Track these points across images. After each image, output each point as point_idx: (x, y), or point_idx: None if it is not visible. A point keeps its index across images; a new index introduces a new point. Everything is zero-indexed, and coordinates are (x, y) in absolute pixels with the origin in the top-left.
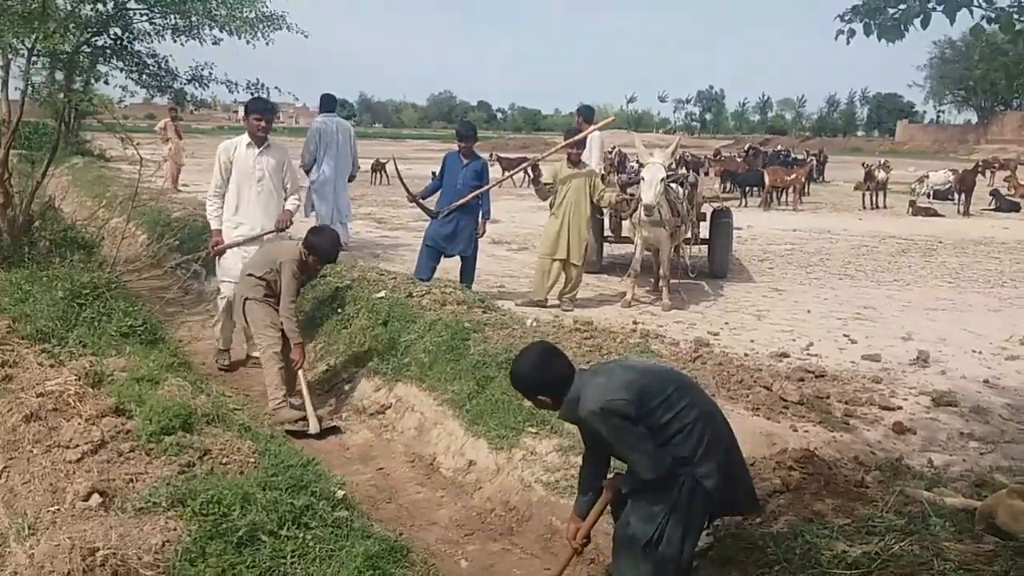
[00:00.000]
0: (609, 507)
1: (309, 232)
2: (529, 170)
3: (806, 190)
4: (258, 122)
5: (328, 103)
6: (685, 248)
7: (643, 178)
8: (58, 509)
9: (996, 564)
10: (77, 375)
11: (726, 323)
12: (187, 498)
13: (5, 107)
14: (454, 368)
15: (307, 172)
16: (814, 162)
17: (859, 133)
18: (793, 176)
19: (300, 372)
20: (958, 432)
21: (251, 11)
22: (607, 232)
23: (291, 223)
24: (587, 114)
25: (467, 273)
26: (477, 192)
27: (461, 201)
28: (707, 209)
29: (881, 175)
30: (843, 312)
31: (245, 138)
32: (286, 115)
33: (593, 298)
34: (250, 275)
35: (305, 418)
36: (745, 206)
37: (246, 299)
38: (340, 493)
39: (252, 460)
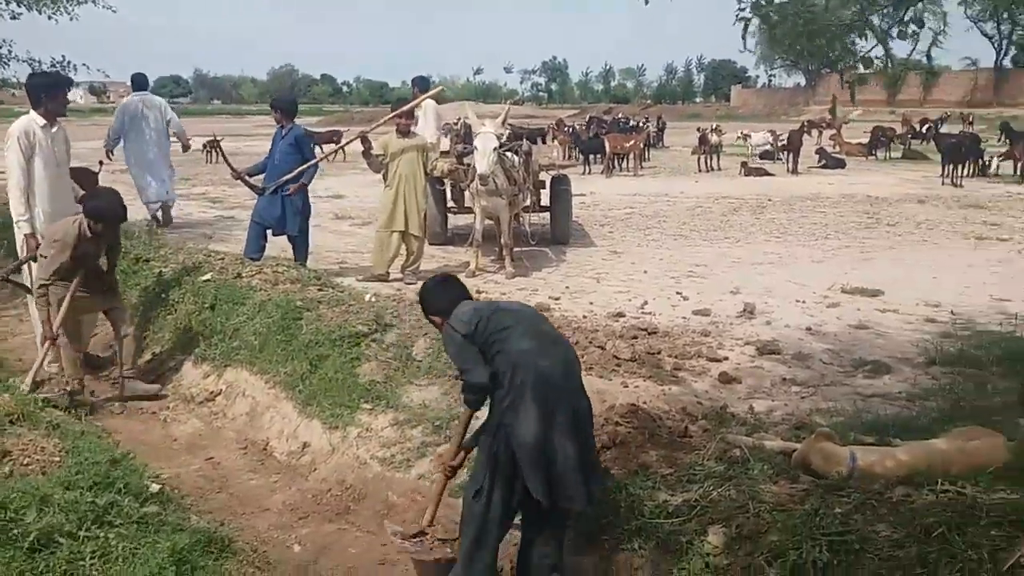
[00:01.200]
0: None
1: (86, 199)
2: (360, 142)
3: (646, 156)
4: (65, 98)
5: (139, 81)
6: (525, 216)
7: (476, 148)
8: None
9: (807, 503)
10: None
11: (567, 287)
12: None
13: None
14: (286, 349)
15: (109, 152)
16: (652, 128)
17: (697, 99)
18: (632, 142)
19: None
20: (781, 378)
21: None
22: (450, 203)
23: None
24: (422, 85)
25: (299, 251)
26: (299, 170)
27: (286, 177)
28: (547, 177)
29: (714, 139)
30: (677, 271)
31: (38, 118)
32: (116, 95)
33: (437, 269)
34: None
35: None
36: (589, 173)
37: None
38: (155, 488)
39: (57, 459)
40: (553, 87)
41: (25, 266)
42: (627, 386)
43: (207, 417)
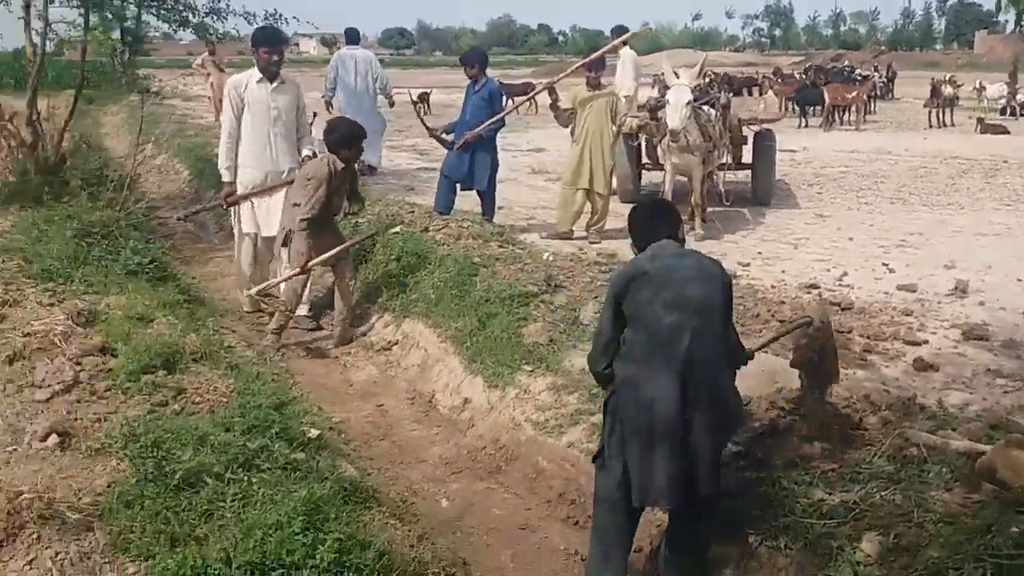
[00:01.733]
0: None
1: (325, 134)
2: (547, 94)
3: (871, 108)
4: (268, 55)
5: (351, 36)
6: (720, 174)
7: (668, 101)
8: (15, 450)
9: (980, 517)
10: (67, 314)
11: (759, 253)
12: (138, 439)
13: (30, 48)
14: (459, 305)
15: (328, 103)
16: (878, 78)
17: (937, 46)
18: (854, 94)
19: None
20: (985, 368)
21: None
22: (644, 159)
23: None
24: (621, 33)
25: (487, 207)
26: (488, 123)
27: (475, 132)
28: (750, 132)
29: (948, 91)
30: (887, 239)
31: (255, 73)
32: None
33: (623, 228)
34: (295, 204)
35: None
36: (806, 126)
37: (288, 230)
38: (313, 433)
39: (225, 400)
40: (777, 33)
41: (233, 212)
42: None
43: (383, 365)
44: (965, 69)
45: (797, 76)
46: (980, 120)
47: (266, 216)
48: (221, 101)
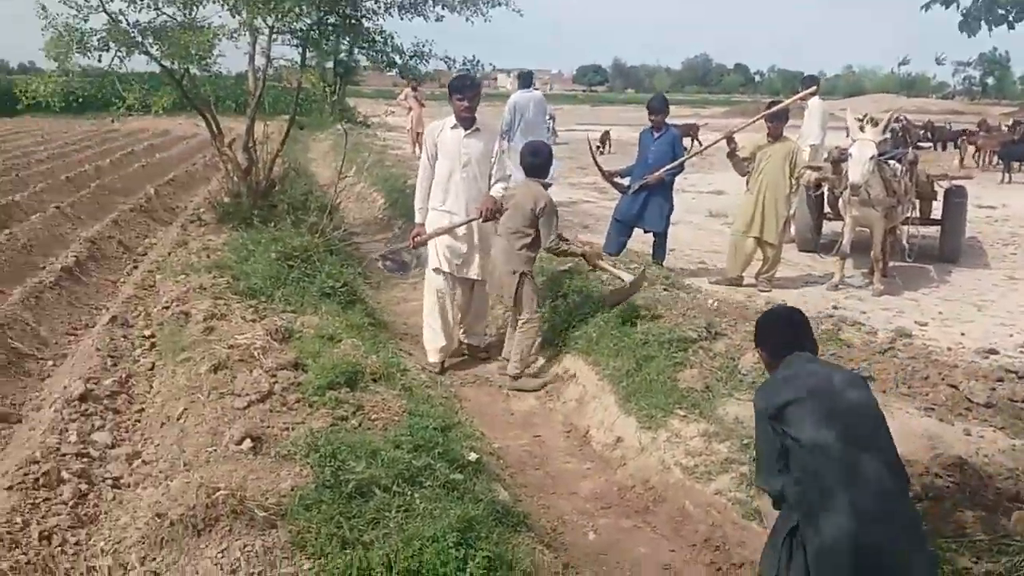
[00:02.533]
0: None
1: (526, 156)
2: (725, 143)
3: None
4: (460, 102)
5: (525, 80)
6: (904, 229)
7: (851, 155)
8: (214, 450)
9: None
10: (267, 330)
11: (940, 312)
12: (319, 449)
13: (252, 81)
14: (618, 344)
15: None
16: None
17: None
18: None
19: (606, 262)
20: None
21: None
22: (826, 208)
23: (499, 211)
24: (810, 83)
25: (659, 249)
26: (668, 168)
27: (652, 177)
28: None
29: None
30: None
31: (451, 120)
32: (541, 82)
33: (798, 278)
34: (514, 232)
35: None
36: (1009, 182)
37: (521, 274)
38: (472, 456)
39: (398, 419)
40: (990, 81)
41: (425, 250)
42: (969, 434)
43: (543, 397)
44: None
45: (1004, 128)
46: None
47: (452, 256)
48: (419, 134)
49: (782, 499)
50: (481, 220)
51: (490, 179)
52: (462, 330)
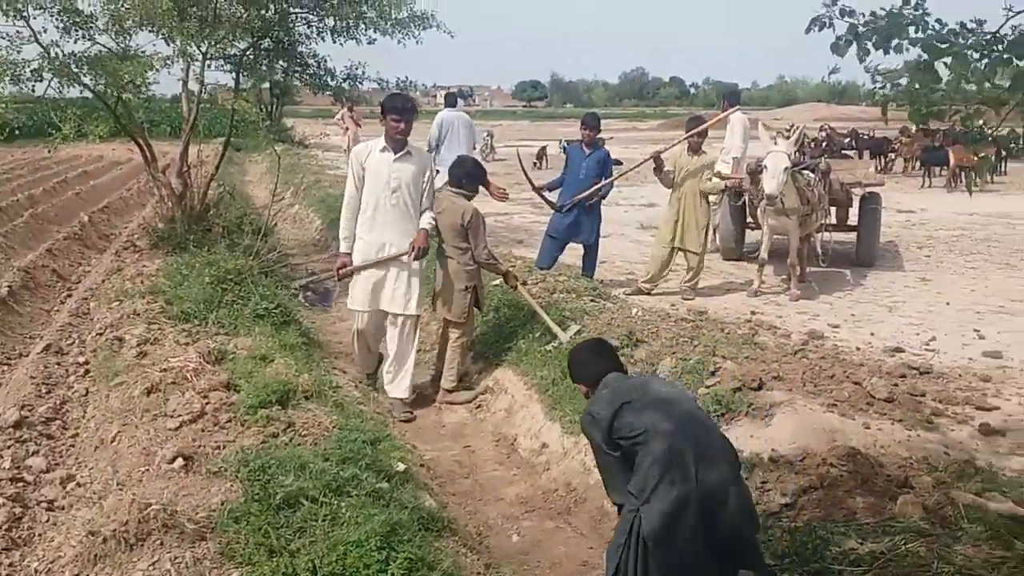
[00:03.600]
0: None
1: (453, 168)
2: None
3: (1000, 169)
4: (396, 123)
5: (451, 100)
6: (818, 235)
7: (766, 167)
8: (147, 470)
9: (998, 571)
10: (200, 353)
11: (852, 314)
12: (248, 464)
13: (185, 106)
14: (544, 354)
15: None
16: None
17: None
18: (983, 154)
19: (524, 290)
20: None
21: (400, 12)
22: (748, 219)
23: (427, 247)
24: (733, 99)
25: (589, 262)
26: (598, 187)
27: (582, 195)
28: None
29: None
30: (986, 305)
31: (380, 142)
32: (481, 98)
33: (721, 286)
34: (457, 247)
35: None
36: (929, 187)
37: (474, 288)
38: (400, 467)
39: (328, 434)
40: (926, 86)
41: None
42: (868, 427)
43: (474, 409)
44: None
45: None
46: None
47: (376, 290)
48: None
49: (630, 501)
50: (412, 258)
51: (420, 207)
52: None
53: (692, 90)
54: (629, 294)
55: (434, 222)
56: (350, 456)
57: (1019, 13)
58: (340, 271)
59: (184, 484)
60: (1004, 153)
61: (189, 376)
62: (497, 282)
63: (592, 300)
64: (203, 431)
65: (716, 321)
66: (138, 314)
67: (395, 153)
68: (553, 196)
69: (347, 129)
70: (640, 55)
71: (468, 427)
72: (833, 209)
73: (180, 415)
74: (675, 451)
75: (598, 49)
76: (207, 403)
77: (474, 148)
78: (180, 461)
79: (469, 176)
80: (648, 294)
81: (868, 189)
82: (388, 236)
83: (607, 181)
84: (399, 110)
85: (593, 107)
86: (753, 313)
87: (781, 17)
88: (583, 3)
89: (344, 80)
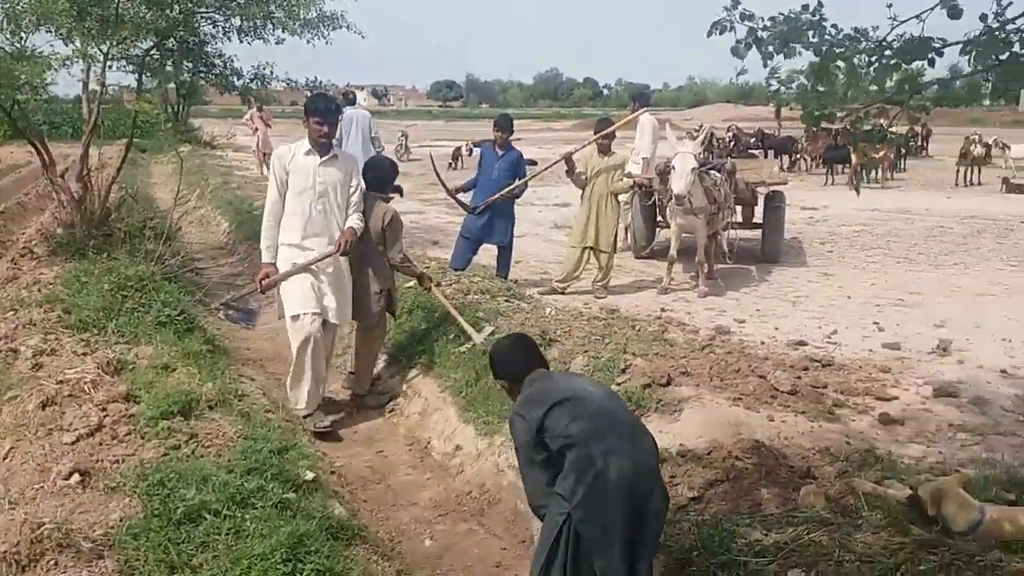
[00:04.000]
0: None
1: (368, 174)
2: (565, 162)
3: (900, 166)
4: (319, 126)
5: (350, 98)
6: (725, 233)
7: (673, 168)
8: (41, 486)
9: (896, 556)
10: (98, 363)
11: (758, 310)
12: (148, 479)
13: (87, 108)
14: (459, 356)
15: None
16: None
17: (986, 103)
18: (882, 152)
19: (438, 291)
20: (948, 424)
21: (308, 12)
22: (659, 218)
23: (352, 244)
24: (642, 100)
25: (503, 262)
26: (512, 188)
27: (495, 196)
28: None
29: (977, 150)
30: (886, 298)
31: (304, 144)
32: (396, 98)
33: (632, 284)
34: (374, 249)
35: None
36: (832, 184)
37: (388, 291)
38: (308, 475)
39: (232, 444)
40: (821, 88)
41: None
42: (772, 420)
43: (387, 413)
44: (1010, 126)
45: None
46: (1005, 180)
47: (318, 294)
48: (266, 155)
49: (558, 504)
50: (339, 254)
51: (347, 210)
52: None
53: (605, 91)
54: (543, 293)
55: (362, 224)
56: (255, 467)
57: (905, 22)
58: (263, 282)
59: (81, 501)
60: (903, 151)
61: (87, 388)
62: (411, 284)
63: (506, 300)
64: (101, 445)
65: (627, 319)
66: (34, 324)
67: (321, 156)
68: (467, 197)
69: (256, 129)
70: (555, 56)
71: (381, 432)
72: (739, 208)
73: (77, 429)
74: (605, 451)
75: (513, 50)
76: (105, 416)
77: (376, 145)
78: (76, 477)
79: (386, 179)
80: (562, 293)
81: (772, 188)
82: (315, 243)
83: (521, 182)
84: (322, 112)
85: (508, 107)
86: (663, 310)
87: (691, 19)
88: (498, 3)
89: (252, 80)
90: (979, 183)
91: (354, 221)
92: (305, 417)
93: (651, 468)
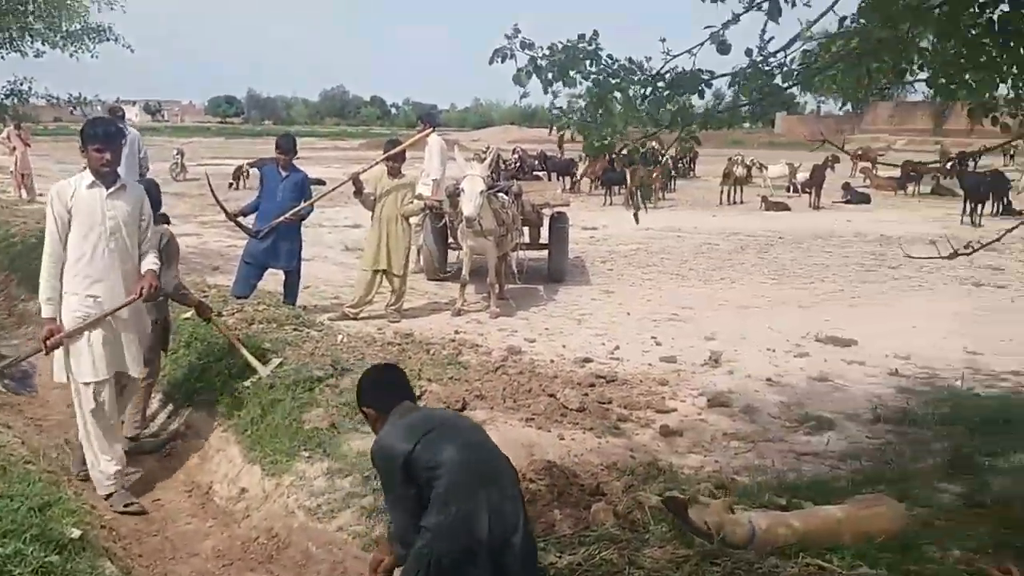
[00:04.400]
0: None
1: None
2: (352, 184)
3: (671, 187)
4: (99, 154)
5: (115, 112)
6: (514, 254)
7: (463, 190)
8: None
9: (682, 568)
10: None
11: (546, 328)
12: None
13: None
14: (243, 391)
15: None
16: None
17: (745, 125)
18: (655, 174)
19: (219, 321)
20: (722, 433)
21: (71, 24)
22: (450, 240)
23: (158, 288)
24: (430, 120)
25: (291, 288)
26: (298, 209)
27: (280, 219)
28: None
29: (738, 171)
30: (661, 313)
31: (87, 177)
32: (171, 113)
33: (426, 306)
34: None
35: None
36: (611, 204)
37: (158, 322)
38: (75, 533)
39: None
40: (599, 118)
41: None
42: (563, 439)
43: (164, 457)
44: (766, 148)
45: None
46: (764, 198)
47: (113, 351)
48: (24, 176)
49: (423, 536)
50: (142, 300)
51: (141, 247)
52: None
53: (393, 110)
54: (334, 320)
55: (159, 263)
56: (12, 528)
57: (677, 56)
58: (48, 342)
59: None
60: (673, 173)
61: None
62: (189, 315)
63: (295, 329)
64: None
65: (422, 343)
66: None
67: (107, 188)
68: (249, 220)
69: (14, 149)
70: (342, 73)
71: (157, 477)
72: (526, 229)
73: None
74: (470, 484)
75: (297, 66)
76: None
77: (142, 166)
78: None
79: (154, 204)
80: (354, 319)
81: (557, 209)
82: (104, 289)
83: (307, 203)
84: (101, 137)
85: (293, 124)
86: (457, 332)
87: (476, 41)
88: (281, 18)
89: (7, 96)
90: (741, 202)
91: (151, 262)
92: (107, 498)
93: (515, 500)
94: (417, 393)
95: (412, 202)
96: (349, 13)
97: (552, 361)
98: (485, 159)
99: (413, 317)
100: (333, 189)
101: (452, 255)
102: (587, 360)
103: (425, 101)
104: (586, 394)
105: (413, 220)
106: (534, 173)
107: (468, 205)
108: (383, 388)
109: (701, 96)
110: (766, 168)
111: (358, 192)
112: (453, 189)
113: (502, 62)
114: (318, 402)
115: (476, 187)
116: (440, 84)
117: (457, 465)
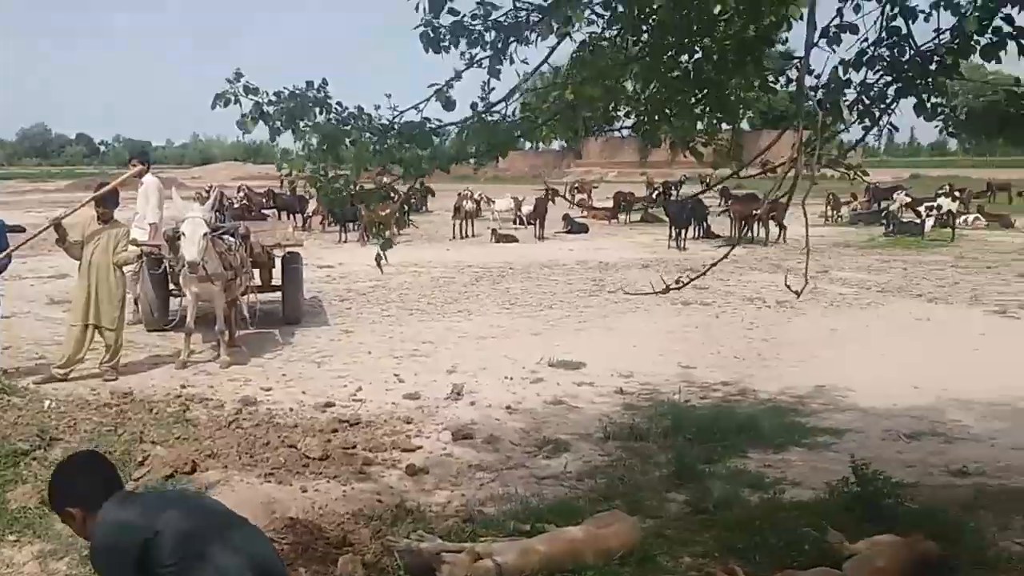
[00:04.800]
0: None
1: None
2: (55, 230)
3: (406, 222)
4: None
5: None
6: (245, 298)
7: (184, 233)
8: None
9: None
10: None
11: (284, 374)
12: None
13: None
14: None
15: None
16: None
17: (471, 161)
18: (388, 211)
19: None
20: (468, 465)
21: None
22: (171, 286)
23: None
24: (143, 158)
25: None
26: None
27: None
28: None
29: (468, 205)
30: (402, 350)
31: None
32: None
33: (147, 360)
34: None
35: None
36: (345, 241)
37: None
38: None
39: None
40: (331, 167)
41: None
42: (305, 491)
43: None
44: (492, 183)
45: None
46: (494, 231)
47: None
48: None
49: None
50: None
51: None
52: None
53: (102, 147)
54: (40, 383)
55: None
56: None
57: (405, 112)
58: None
59: None
60: (407, 208)
61: None
62: None
63: None
64: None
65: (143, 401)
66: None
67: None
68: None
69: None
70: (40, 110)
71: None
72: (257, 271)
73: None
74: (227, 562)
75: None
76: None
77: None
78: None
79: None
80: (64, 380)
81: (288, 249)
82: None
83: (4, 253)
84: None
85: None
86: (183, 386)
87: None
88: None
89: None
90: (473, 235)
91: None
92: None
93: (276, 562)
94: (139, 459)
95: (126, 248)
96: (40, 43)
97: (291, 409)
98: (207, 199)
99: (132, 373)
100: (34, 236)
101: (175, 302)
102: (329, 404)
103: (137, 137)
104: (329, 440)
105: (129, 268)
106: (262, 212)
107: (190, 249)
108: (88, 483)
109: (431, 144)
110: (494, 202)
111: (61, 239)
112: (173, 233)
113: (225, 107)
114: (24, 478)
115: (198, 230)
116: (154, 119)
117: (205, 548)
